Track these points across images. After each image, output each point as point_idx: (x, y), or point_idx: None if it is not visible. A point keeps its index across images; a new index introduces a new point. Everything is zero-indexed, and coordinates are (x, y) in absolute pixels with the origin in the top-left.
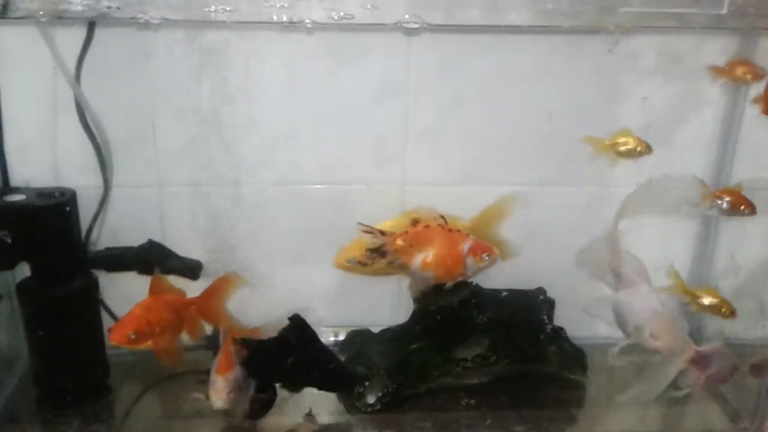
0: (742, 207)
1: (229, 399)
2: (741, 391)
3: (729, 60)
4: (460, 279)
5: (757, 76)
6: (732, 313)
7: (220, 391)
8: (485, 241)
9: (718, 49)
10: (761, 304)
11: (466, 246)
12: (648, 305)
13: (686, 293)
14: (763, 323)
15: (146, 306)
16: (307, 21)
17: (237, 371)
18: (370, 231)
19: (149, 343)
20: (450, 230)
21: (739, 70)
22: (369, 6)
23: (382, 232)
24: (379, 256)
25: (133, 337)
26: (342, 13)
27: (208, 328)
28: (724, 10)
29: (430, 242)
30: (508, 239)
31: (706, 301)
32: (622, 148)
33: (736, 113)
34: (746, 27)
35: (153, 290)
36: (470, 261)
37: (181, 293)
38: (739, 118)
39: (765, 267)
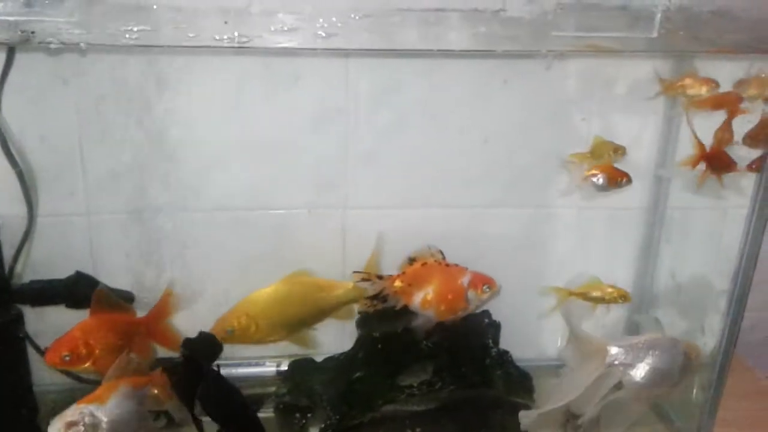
0: (618, 179)
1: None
2: (685, 409)
3: (681, 75)
4: (462, 314)
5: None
6: (624, 297)
7: (57, 419)
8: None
9: (651, 70)
10: (701, 324)
11: (465, 279)
12: None
13: (574, 295)
14: (704, 342)
15: (87, 326)
16: (236, 44)
17: (109, 406)
18: (367, 278)
19: (87, 365)
20: (447, 265)
21: (691, 84)
22: (285, 28)
23: (380, 277)
24: (380, 302)
25: (67, 358)
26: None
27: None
28: (655, 34)
29: (428, 280)
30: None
31: (596, 293)
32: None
33: (672, 135)
34: (676, 50)
35: (95, 308)
36: (471, 294)
37: (131, 311)
38: (675, 138)
39: (704, 286)
